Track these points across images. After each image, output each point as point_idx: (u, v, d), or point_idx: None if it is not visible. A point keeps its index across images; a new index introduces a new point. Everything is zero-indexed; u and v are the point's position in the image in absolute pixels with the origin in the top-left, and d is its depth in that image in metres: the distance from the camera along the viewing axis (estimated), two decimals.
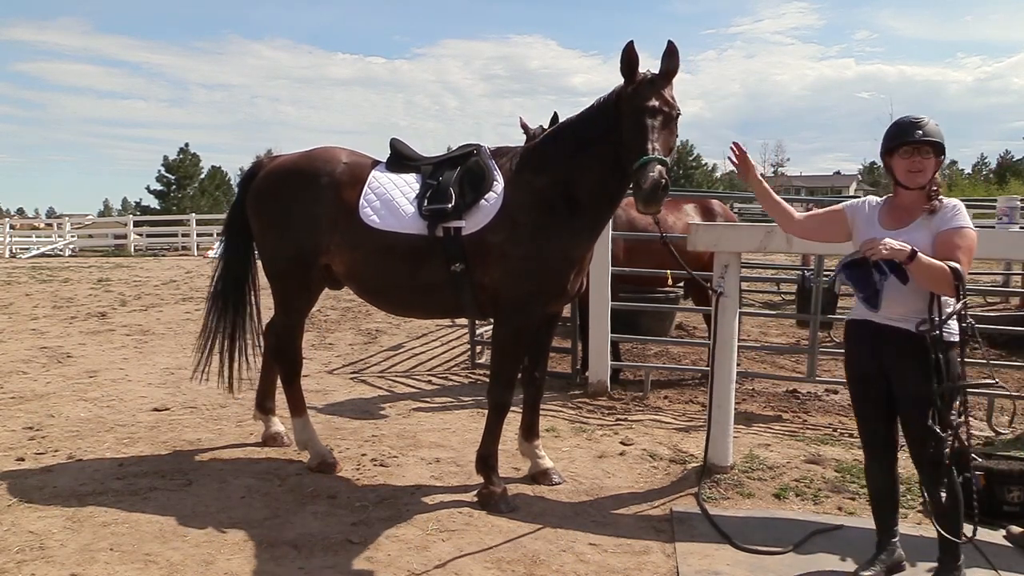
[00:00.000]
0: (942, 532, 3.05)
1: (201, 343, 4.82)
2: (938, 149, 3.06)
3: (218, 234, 25.38)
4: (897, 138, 3.09)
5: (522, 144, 4.35)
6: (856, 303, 3.21)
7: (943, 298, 2.96)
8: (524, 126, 5.00)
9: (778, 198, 3.53)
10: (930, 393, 2.90)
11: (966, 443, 2.94)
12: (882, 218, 3.19)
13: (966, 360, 3.05)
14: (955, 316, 2.94)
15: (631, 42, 3.50)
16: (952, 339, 3.00)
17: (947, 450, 2.91)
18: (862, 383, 3.27)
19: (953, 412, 2.94)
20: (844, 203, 3.43)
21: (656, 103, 3.47)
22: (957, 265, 2.87)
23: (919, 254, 2.85)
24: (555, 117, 4.52)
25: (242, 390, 4.95)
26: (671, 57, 3.54)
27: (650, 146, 3.39)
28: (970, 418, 5.63)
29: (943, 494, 2.97)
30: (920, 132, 3.03)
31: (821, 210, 3.58)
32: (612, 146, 3.64)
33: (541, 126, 4.73)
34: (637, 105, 3.48)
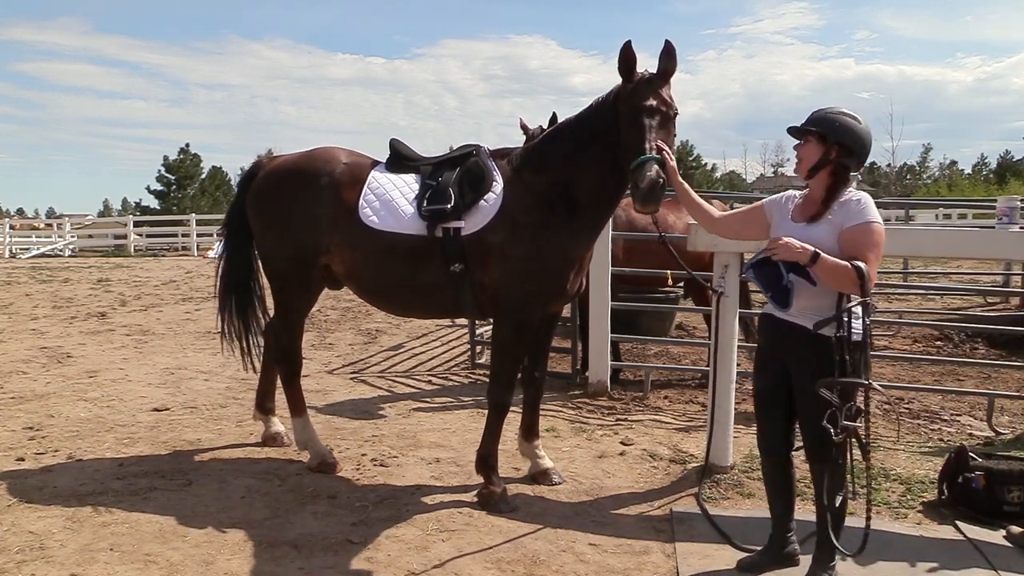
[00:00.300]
0: (827, 529, 3.04)
1: (221, 344, 4.91)
2: (821, 136, 2.97)
3: (218, 234, 25.40)
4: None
5: (522, 144, 4.35)
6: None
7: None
8: (523, 126, 4.99)
9: (698, 198, 3.46)
10: (815, 391, 2.86)
11: (865, 443, 2.87)
12: (795, 211, 3.12)
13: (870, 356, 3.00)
14: (855, 315, 2.86)
15: (628, 42, 3.50)
16: (853, 338, 2.88)
17: (836, 450, 2.92)
18: (760, 372, 3.26)
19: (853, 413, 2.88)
20: (765, 199, 3.36)
21: (654, 102, 3.47)
22: (862, 264, 2.80)
23: (821, 255, 2.80)
24: (554, 117, 4.52)
25: (242, 390, 4.95)
26: (669, 57, 3.54)
27: (648, 145, 3.38)
28: (969, 417, 5.69)
29: (839, 498, 3.00)
30: (802, 123, 3.04)
31: (743, 208, 3.49)
32: (611, 146, 3.65)
33: (540, 126, 4.71)
34: (635, 105, 3.48)
